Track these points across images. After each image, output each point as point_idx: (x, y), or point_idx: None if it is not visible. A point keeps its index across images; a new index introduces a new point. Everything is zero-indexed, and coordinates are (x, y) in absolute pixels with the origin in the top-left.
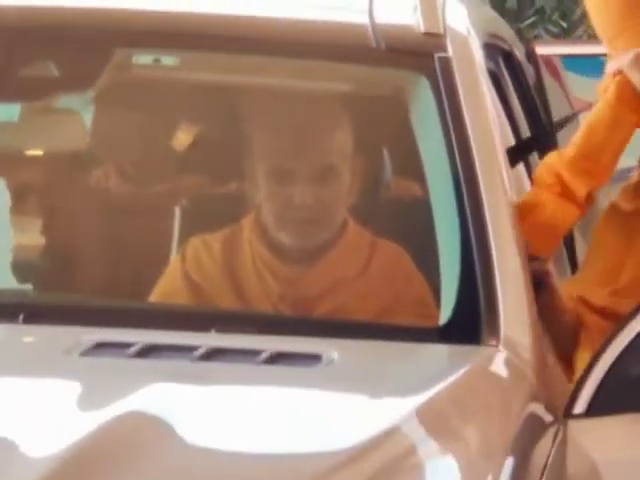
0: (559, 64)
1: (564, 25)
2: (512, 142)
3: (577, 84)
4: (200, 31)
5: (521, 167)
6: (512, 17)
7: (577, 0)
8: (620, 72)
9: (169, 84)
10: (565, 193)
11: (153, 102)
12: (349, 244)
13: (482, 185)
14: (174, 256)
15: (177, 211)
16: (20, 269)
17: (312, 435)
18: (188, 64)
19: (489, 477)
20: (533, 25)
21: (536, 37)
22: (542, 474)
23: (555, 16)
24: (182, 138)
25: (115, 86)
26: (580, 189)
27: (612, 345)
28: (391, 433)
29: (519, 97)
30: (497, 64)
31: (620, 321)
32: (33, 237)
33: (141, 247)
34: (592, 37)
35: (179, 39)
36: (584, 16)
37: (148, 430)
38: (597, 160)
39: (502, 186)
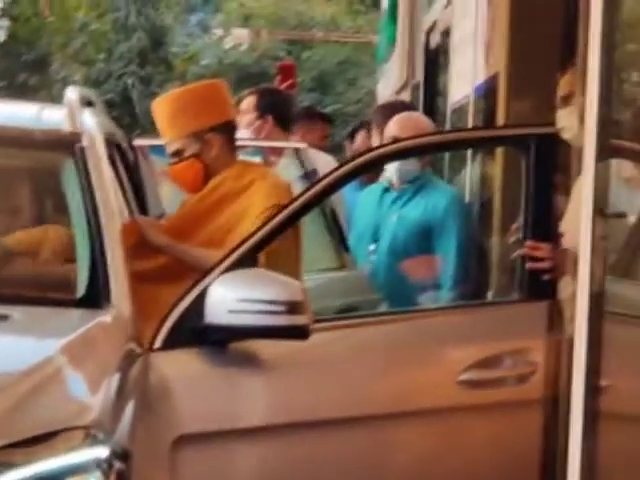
0: (147, 149)
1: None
2: (121, 197)
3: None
4: None
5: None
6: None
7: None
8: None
9: None
10: None
11: None
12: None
13: (103, 221)
14: None
15: None
16: None
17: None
18: None
19: (104, 382)
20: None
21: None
22: (135, 383)
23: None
24: None
25: None
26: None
27: (178, 305)
28: (47, 360)
29: (125, 170)
30: (112, 151)
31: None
32: None
33: None
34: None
35: None
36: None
37: None
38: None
39: (115, 221)
